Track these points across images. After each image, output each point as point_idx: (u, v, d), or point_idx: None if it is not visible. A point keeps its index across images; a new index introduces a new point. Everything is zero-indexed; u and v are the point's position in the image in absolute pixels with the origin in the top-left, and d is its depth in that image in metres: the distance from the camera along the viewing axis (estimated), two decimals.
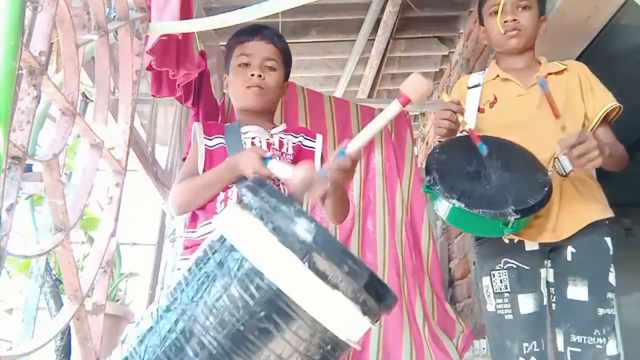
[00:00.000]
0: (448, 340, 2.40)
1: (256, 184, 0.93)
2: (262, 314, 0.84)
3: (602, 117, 1.51)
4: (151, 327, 0.91)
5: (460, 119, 1.45)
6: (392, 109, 1.16)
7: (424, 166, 1.48)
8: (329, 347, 0.89)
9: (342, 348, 0.91)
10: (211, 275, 0.89)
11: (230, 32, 1.67)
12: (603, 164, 1.33)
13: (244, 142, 1.44)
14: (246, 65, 1.48)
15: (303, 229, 0.84)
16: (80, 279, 0.98)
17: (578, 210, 1.46)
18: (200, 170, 1.45)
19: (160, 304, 0.93)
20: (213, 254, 0.91)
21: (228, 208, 0.96)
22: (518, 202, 1.30)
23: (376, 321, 0.92)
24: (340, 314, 0.86)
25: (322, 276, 0.84)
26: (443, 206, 1.37)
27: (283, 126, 1.54)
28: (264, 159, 1.29)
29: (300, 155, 1.47)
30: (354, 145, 1.18)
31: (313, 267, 0.84)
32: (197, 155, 1.46)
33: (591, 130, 1.53)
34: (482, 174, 1.38)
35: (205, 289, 0.89)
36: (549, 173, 1.39)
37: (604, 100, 1.52)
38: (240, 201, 0.96)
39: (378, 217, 2.56)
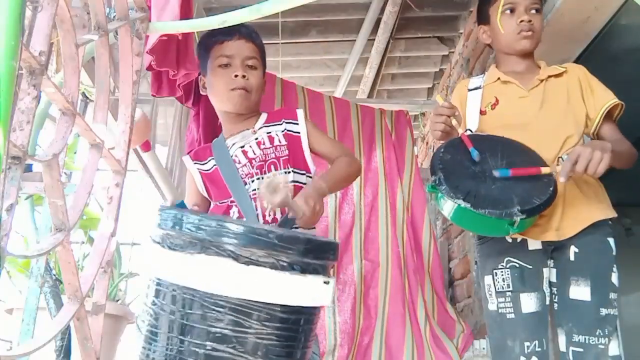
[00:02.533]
0: (448, 340, 2.40)
1: (157, 214, 1.00)
2: (221, 325, 0.89)
3: (603, 114, 1.51)
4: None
5: (454, 122, 1.45)
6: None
7: (424, 166, 1.48)
8: (294, 317, 0.93)
9: (309, 312, 0.95)
10: (164, 314, 0.95)
11: None
12: (613, 160, 1.31)
13: (235, 156, 1.42)
14: (227, 65, 1.44)
15: (199, 230, 0.90)
16: (80, 279, 0.98)
17: (581, 209, 1.46)
18: (204, 193, 1.46)
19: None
20: (153, 294, 0.98)
21: (143, 251, 1.02)
22: (524, 202, 1.30)
23: (330, 271, 0.97)
24: (288, 287, 0.90)
25: (243, 261, 0.89)
26: (448, 206, 1.37)
27: (264, 117, 1.49)
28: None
29: (291, 142, 1.43)
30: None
31: (247, 261, 0.89)
32: (193, 184, 1.46)
33: (595, 129, 1.53)
34: (487, 173, 1.38)
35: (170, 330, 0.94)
36: (553, 173, 1.39)
37: (605, 98, 1.52)
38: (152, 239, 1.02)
39: (380, 215, 2.56)
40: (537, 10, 1.59)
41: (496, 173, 1.35)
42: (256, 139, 1.43)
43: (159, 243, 0.96)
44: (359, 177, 2.56)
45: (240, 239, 0.89)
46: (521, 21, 1.57)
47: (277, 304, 0.90)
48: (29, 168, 1.89)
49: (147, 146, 1.10)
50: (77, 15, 0.99)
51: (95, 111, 1.10)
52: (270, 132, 1.44)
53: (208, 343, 0.89)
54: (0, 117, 0.65)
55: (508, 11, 1.59)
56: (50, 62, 1.79)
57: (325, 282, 0.94)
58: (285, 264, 0.91)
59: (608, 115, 1.52)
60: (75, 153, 2.65)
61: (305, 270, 0.93)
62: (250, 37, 1.49)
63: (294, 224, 1.19)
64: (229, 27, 1.45)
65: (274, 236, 0.90)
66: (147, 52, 1.55)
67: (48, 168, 0.85)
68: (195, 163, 1.48)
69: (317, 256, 0.95)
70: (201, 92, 1.57)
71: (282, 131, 1.44)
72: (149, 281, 0.98)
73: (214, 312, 0.88)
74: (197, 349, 0.89)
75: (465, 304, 2.75)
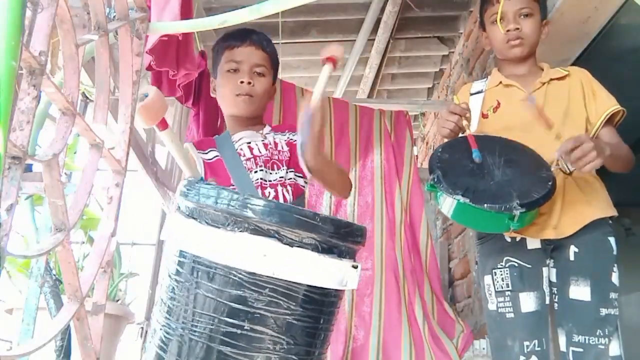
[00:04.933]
0: (448, 340, 2.40)
1: (186, 187, 0.97)
2: (260, 305, 0.88)
3: (604, 120, 1.51)
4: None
5: (464, 123, 1.46)
6: (325, 71, 1.16)
7: (424, 166, 1.49)
8: (326, 299, 0.94)
9: (337, 295, 0.96)
10: (184, 285, 0.93)
11: None
12: (605, 163, 1.34)
13: (241, 149, 1.44)
14: (235, 71, 1.47)
15: (245, 207, 0.88)
16: (80, 279, 0.98)
17: (580, 208, 1.47)
18: None
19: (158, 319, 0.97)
20: (177, 268, 0.95)
21: (168, 219, 1.00)
22: (523, 196, 1.31)
23: (346, 255, 0.97)
24: (326, 269, 0.90)
25: (287, 242, 0.88)
26: (447, 204, 1.38)
27: (268, 128, 1.54)
28: None
29: (292, 149, 1.46)
30: (313, 100, 1.17)
31: (291, 242, 0.88)
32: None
33: (594, 134, 1.53)
34: (485, 170, 1.39)
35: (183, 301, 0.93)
36: (552, 170, 1.40)
37: (606, 104, 1.52)
38: (177, 208, 1.00)
39: (376, 218, 2.56)
40: (527, 15, 1.58)
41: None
42: (263, 140, 1.47)
43: (194, 218, 0.93)
44: (354, 177, 2.57)
45: (287, 219, 0.88)
46: (508, 30, 1.56)
47: (316, 287, 0.91)
48: (29, 168, 1.89)
49: (164, 124, 1.11)
50: (77, 15, 0.99)
51: (95, 111, 1.10)
52: (275, 139, 1.48)
53: (246, 324, 0.88)
54: (0, 117, 0.65)
55: (496, 21, 1.59)
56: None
57: (353, 267, 0.94)
58: (325, 246, 0.91)
59: (608, 121, 1.52)
60: (75, 153, 2.65)
61: (341, 253, 0.94)
62: (260, 44, 1.51)
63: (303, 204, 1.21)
64: (242, 33, 1.49)
65: (319, 219, 0.90)
66: (147, 52, 1.55)
67: (48, 168, 0.85)
68: (198, 152, 1.50)
69: (353, 240, 0.97)
70: (211, 95, 1.60)
71: (285, 140, 1.49)
72: (174, 255, 0.94)
73: (254, 292, 0.87)
74: (234, 330, 0.88)
75: (465, 304, 2.75)
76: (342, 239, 0.94)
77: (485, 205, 1.30)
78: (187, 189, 0.96)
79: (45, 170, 0.85)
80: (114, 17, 1.19)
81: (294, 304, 0.89)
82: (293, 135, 1.50)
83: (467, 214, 1.37)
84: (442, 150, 1.45)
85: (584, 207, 1.47)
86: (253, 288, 0.87)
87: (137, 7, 1.28)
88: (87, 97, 2.31)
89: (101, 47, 1.10)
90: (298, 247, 0.88)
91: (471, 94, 1.66)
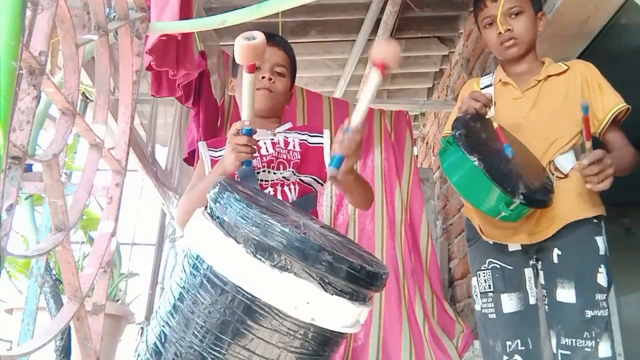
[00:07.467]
0: (448, 340, 2.40)
1: (219, 191, 0.95)
2: (239, 319, 0.88)
3: (612, 117, 1.48)
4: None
5: (487, 111, 1.45)
6: (373, 79, 1.19)
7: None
8: (322, 340, 0.93)
9: (336, 338, 0.95)
10: (192, 294, 0.92)
11: (230, 32, 1.67)
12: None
13: None
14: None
15: (320, 262, 0.85)
16: (80, 279, 0.98)
17: (557, 210, 1.44)
18: None
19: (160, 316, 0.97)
20: (191, 270, 0.94)
21: (194, 218, 0.99)
22: (528, 191, 1.31)
23: (368, 301, 0.97)
24: (354, 316, 0.90)
25: (329, 290, 0.87)
26: (456, 164, 1.36)
27: (288, 124, 1.54)
28: (245, 162, 1.29)
29: (307, 152, 1.47)
30: (356, 119, 1.21)
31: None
32: (203, 170, 1.48)
33: (602, 130, 1.49)
34: (503, 154, 1.38)
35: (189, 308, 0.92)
36: (554, 181, 1.40)
37: (613, 101, 1.49)
38: (206, 209, 0.99)
39: (377, 218, 2.56)
40: (518, 14, 1.56)
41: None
42: (272, 139, 1.47)
43: (240, 243, 0.88)
44: None
45: (335, 269, 0.86)
46: (499, 33, 1.56)
47: (341, 333, 0.92)
48: (29, 168, 1.89)
49: (252, 68, 1.16)
50: (77, 15, 0.99)
51: (95, 111, 1.11)
52: (287, 137, 1.49)
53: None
54: (0, 117, 0.65)
55: (488, 25, 1.59)
56: None
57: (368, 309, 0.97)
58: (361, 296, 0.92)
59: (614, 118, 1.49)
60: (75, 153, 2.65)
61: (367, 300, 0.96)
62: (283, 46, 1.55)
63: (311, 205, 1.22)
64: (266, 34, 1.50)
65: (364, 272, 0.89)
66: (146, 52, 1.55)
67: (48, 168, 0.85)
68: (208, 150, 1.53)
69: (377, 289, 0.97)
70: (229, 93, 1.62)
71: (301, 140, 1.49)
72: (196, 262, 0.91)
73: (287, 334, 0.87)
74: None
75: (465, 304, 2.75)
76: (374, 288, 0.94)
77: (494, 179, 1.29)
78: (244, 210, 0.90)
79: (45, 170, 0.85)
80: (114, 17, 1.19)
81: (319, 346, 0.90)
82: (311, 137, 1.50)
83: (471, 182, 1.35)
84: (470, 119, 1.43)
85: (561, 209, 1.44)
86: (288, 328, 0.87)
87: (137, 7, 1.28)
88: (87, 97, 2.31)
89: (101, 47, 1.10)
90: (337, 295, 0.88)
91: (481, 89, 1.65)
